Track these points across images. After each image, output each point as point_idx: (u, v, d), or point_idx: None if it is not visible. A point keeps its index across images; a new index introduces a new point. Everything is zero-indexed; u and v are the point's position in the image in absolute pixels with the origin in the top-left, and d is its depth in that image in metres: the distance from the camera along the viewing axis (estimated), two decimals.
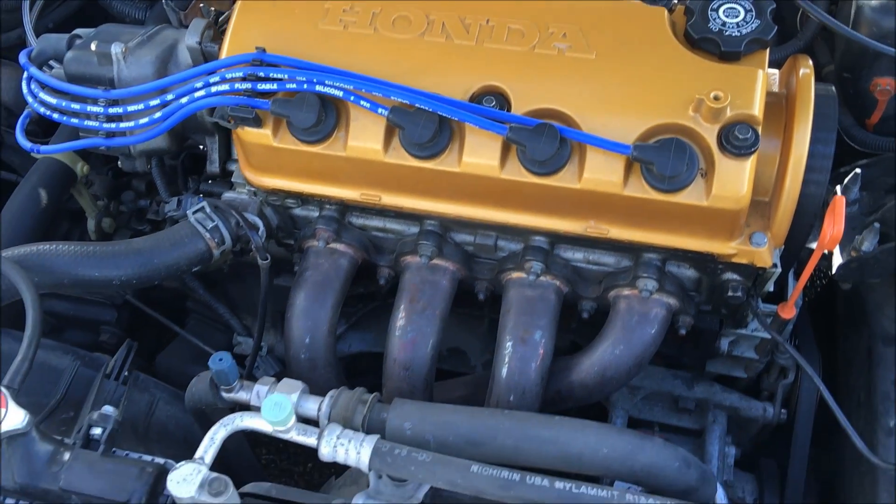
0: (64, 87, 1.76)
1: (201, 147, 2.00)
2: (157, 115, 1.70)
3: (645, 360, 1.71)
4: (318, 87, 1.59)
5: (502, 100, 1.59)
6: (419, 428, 1.46)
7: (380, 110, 1.58)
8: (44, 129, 2.20)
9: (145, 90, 1.71)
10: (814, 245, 1.56)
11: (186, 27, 1.92)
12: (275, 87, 1.61)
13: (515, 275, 1.74)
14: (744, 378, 2.03)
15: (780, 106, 1.65)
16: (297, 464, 2.81)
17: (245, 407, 1.55)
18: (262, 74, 1.61)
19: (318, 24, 1.68)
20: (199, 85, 1.66)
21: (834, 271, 1.80)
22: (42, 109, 1.79)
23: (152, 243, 1.71)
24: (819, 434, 2.01)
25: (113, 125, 1.75)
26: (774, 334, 1.69)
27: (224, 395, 1.54)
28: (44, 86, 1.79)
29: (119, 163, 1.91)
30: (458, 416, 1.48)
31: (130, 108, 1.71)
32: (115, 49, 1.73)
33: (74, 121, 1.77)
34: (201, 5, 1.94)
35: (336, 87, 1.59)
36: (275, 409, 1.38)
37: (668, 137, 1.53)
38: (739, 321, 1.79)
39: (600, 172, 1.56)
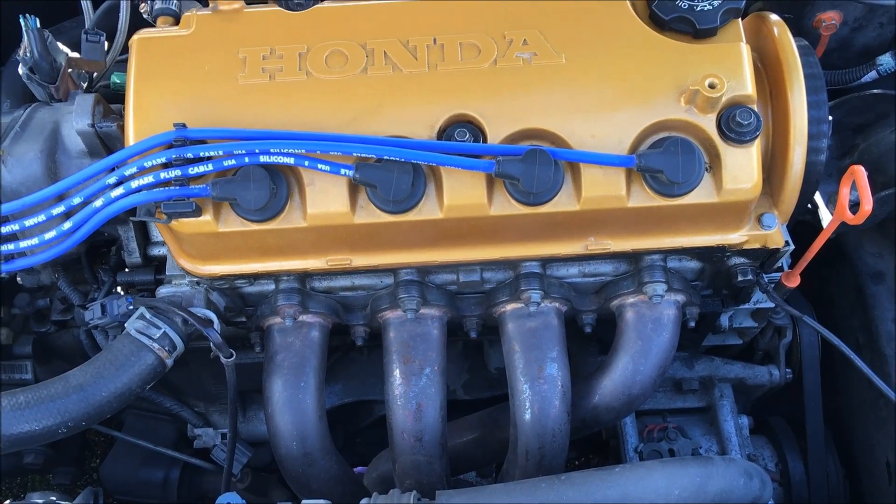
0: None
1: (105, 234, 1.70)
2: (67, 225, 1.39)
3: (668, 366, 1.59)
4: (263, 158, 1.34)
5: (475, 129, 1.39)
6: None
7: (343, 171, 1.35)
8: None
9: (42, 199, 1.40)
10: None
11: (59, 101, 1.61)
12: (210, 167, 1.34)
13: (511, 306, 1.57)
14: (738, 344, 1.96)
15: (757, 69, 1.52)
16: None
17: None
18: (189, 155, 1.34)
19: (238, 79, 1.41)
20: (111, 181, 1.37)
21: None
22: None
23: (93, 373, 1.43)
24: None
25: (11, 246, 1.43)
26: (790, 309, 1.60)
27: None
28: None
29: (18, 279, 1.59)
30: (514, 500, 1.32)
31: (28, 223, 1.40)
32: None
33: None
34: (70, 71, 1.62)
35: (285, 154, 1.34)
36: None
37: (669, 138, 1.38)
38: (743, 299, 1.69)
39: (600, 189, 1.40)
